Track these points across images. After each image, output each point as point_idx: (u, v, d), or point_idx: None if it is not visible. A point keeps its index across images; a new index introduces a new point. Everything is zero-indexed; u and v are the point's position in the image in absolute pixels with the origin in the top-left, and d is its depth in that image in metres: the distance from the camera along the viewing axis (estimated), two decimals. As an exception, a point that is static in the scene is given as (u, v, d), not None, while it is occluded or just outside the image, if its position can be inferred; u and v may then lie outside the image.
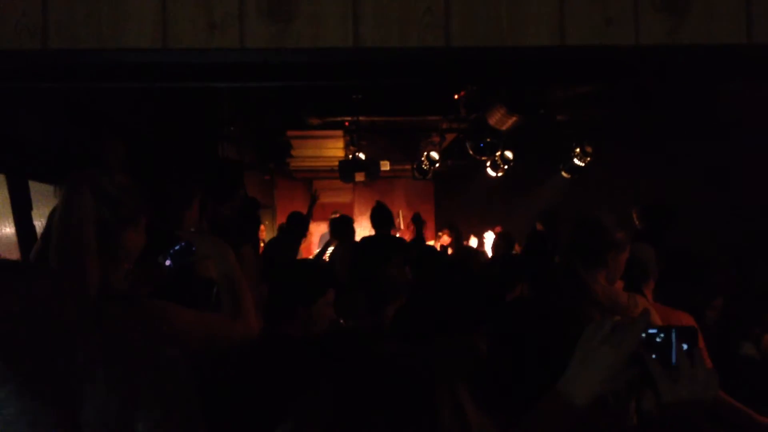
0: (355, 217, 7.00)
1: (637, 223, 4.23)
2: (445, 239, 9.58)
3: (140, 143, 3.45)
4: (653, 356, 1.19)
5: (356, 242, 5.05)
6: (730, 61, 2.03)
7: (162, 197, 2.27)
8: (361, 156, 7.83)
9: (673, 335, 1.20)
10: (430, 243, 8.89)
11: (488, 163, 7.83)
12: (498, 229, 8.11)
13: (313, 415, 0.94)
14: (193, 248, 1.80)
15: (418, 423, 0.91)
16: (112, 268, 1.59)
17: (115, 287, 1.59)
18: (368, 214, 5.29)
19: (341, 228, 5.63)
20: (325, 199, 10.95)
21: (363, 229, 6.96)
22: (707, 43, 1.69)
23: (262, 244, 6.13)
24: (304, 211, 6.01)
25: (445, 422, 0.92)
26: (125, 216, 1.62)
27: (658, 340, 1.20)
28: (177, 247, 1.78)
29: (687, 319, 2.49)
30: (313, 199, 6.39)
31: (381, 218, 5.11)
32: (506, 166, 7.69)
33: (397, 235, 6.39)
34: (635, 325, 1.20)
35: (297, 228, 5.67)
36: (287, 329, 2.18)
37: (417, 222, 6.16)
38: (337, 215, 6.58)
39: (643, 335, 1.20)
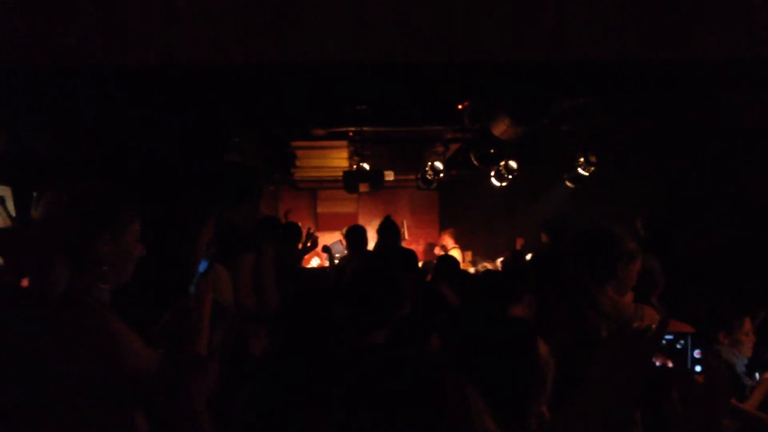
0: (360, 227, 7.05)
1: (641, 232, 4.22)
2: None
3: (153, 159, 3.48)
4: (670, 363, 1.18)
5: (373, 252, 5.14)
6: (734, 72, 2.04)
7: (179, 215, 2.31)
8: (366, 166, 7.84)
9: (689, 341, 1.20)
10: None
11: (492, 173, 7.83)
12: (521, 241, 8.08)
13: (330, 415, 0.97)
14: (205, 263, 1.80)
15: (430, 419, 0.93)
16: (79, 273, 1.60)
17: (77, 292, 1.60)
18: (373, 224, 5.34)
19: (351, 238, 5.69)
20: (330, 209, 10.96)
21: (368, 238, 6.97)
22: (712, 56, 1.70)
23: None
24: (309, 222, 5.99)
25: (456, 418, 0.94)
26: (98, 224, 1.62)
27: (678, 346, 1.20)
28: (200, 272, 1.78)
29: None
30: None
31: (389, 233, 5.29)
32: (510, 176, 7.68)
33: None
34: (653, 334, 1.20)
35: (288, 233, 5.66)
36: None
37: None
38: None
39: (663, 341, 1.20)
